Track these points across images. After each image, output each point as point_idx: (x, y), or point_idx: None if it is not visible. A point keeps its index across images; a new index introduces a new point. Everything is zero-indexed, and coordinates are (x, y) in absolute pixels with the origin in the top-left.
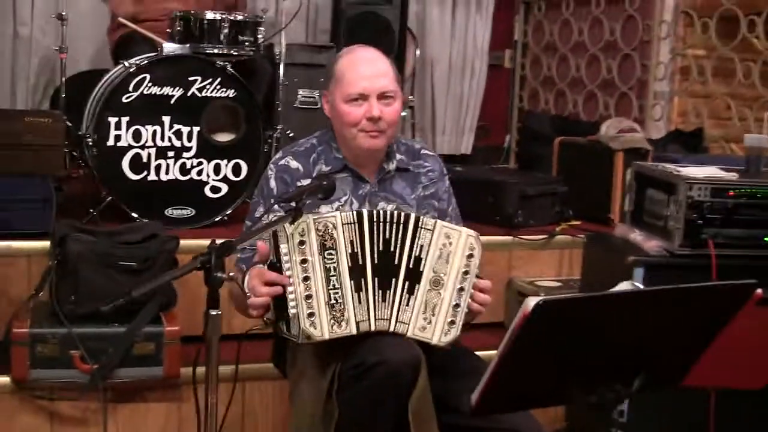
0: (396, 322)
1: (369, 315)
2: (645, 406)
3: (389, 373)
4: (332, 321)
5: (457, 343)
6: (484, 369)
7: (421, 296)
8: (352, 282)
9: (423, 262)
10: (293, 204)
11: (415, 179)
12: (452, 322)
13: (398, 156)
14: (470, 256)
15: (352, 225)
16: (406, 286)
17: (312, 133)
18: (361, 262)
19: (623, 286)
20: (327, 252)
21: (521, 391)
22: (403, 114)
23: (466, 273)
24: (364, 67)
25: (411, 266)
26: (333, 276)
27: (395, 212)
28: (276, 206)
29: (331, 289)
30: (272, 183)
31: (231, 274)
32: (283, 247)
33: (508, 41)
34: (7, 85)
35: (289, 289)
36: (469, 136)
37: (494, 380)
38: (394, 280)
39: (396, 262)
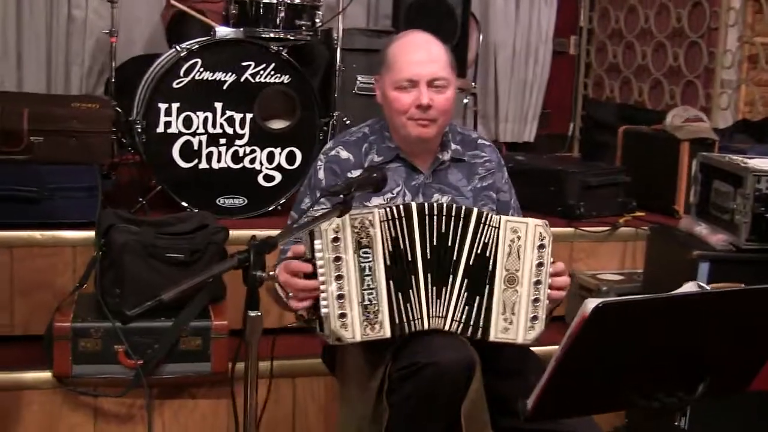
0: (452, 321)
1: (422, 313)
2: (706, 411)
3: (440, 375)
4: (365, 323)
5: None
6: (543, 369)
7: (497, 297)
8: (390, 282)
9: (491, 260)
10: (341, 197)
11: (471, 170)
12: (535, 318)
13: (453, 146)
14: (541, 246)
15: (395, 220)
16: (465, 285)
17: (367, 121)
18: (410, 258)
19: (688, 286)
20: (363, 250)
21: (579, 396)
22: (465, 101)
23: (540, 265)
24: (415, 52)
25: (474, 264)
26: (368, 276)
27: (452, 205)
28: (323, 199)
29: (365, 290)
30: (321, 174)
31: (272, 273)
32: (317, 244)
33: (573, 27)
34: (61, 69)
35: (322, 287)
36: (532, 124)
37: (551, 385)
38: (451, 277)
39: (455, 257)
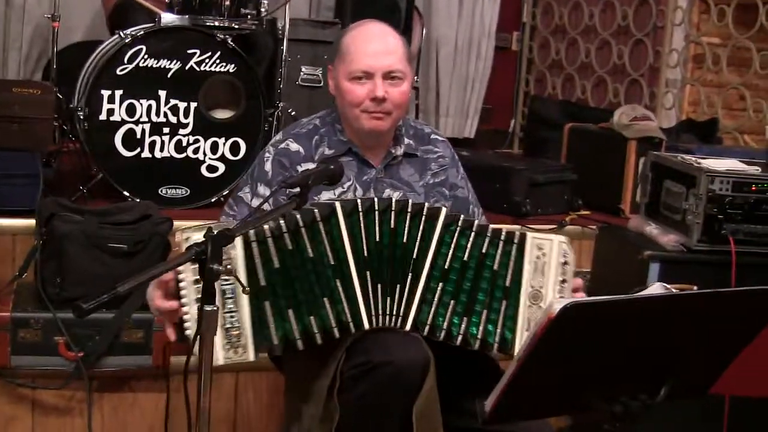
0: (463, 334)
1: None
2: (657, 409)
3: (395, 374)
4: (228, 346)
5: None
6: (498, 370)
7: (522, 313)
8: (262, 302)
9: (514, 276)
10: (297, 189)
11: (423, 165)
12: None
13: (406, 140)
14: (565, 263)
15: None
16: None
17: (314, 112)
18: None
19: (654, 288)
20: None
21: (540, 398)
22: None
23: (563, 282)
24: (371, 44)
25: (508, 284)
26: (229, 299)
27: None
28: (258, 190)
29: (226, 313)
30: (267, 166)
31: (229, 266)
32: (181, 267)
33: (515, 23)
34: None
35: (184, 308)
36: (473, 119)
37: (511, 387)
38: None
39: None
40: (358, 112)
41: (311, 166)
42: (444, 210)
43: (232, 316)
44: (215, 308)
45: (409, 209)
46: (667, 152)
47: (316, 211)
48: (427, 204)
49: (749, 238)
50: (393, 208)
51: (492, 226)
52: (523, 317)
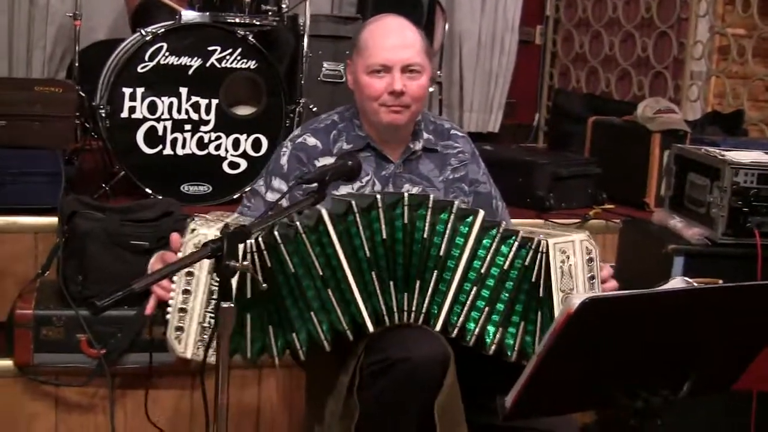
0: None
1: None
2: (682, 406)
3: (413, 370)
4: (199, 343)
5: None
6: (518, 367)
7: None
8: (245, 316)
9: (543, 285)
10: (315, 185)
11: (443, 161)
12: None
13: (425, 135)
14: (590, 260)
15: (269, 248)
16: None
17: (336, 108)
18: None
19: (676, 282)
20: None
21: (560, 394)
22: (431, 89)
23: (591, 278)
24: (389, 37)
25: (542, 294)
26: (215, 299)
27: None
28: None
29: (208, 311)
30: (283, 160)
31: (245, 263)
32: (180, 253)
33: (539, 17)
34: (23, 53)
35: (171, 294)
36: (497, 114)
37: (532, 382)
38: (425, 272)
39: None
40: (376, 106)
41: (329, 160)
42: (481, 212)
43: (212, 316)
44: (231, 305)
45: (430, 204)
46: (692, 145)
47: (297, 224)
48: (456, 202)
49: None
50: (405, 203)
51: (522, 234)
52: None
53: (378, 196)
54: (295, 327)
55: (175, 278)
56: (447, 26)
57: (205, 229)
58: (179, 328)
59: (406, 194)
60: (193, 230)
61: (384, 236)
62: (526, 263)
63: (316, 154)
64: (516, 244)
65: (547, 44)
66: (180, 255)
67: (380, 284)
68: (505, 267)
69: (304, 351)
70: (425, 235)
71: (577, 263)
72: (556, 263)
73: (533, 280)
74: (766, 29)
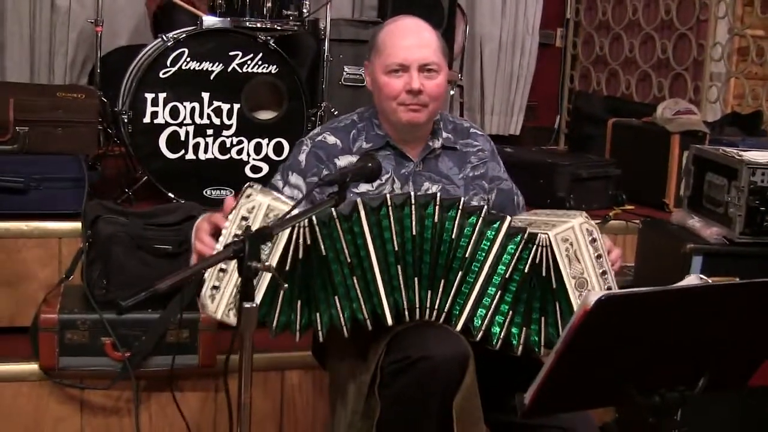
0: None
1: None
2: (700, 403)
3: (434, 369)
4: (231, 305)
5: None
6: (539, 364)
7: (576, 305)
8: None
9: (554, 277)
10: (336, 187)
11: (463, 158)
12: None
13: (444, 134)
14: (593, 240)
15: (319, 225)
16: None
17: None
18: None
19: (691, 279)
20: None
21: (578, 391)
22: (452, 92)
23: (599, 257)
24: (406, 37)
25: (555, 286)
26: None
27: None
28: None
29: None
30: (301, 156)
31: (267, 263)
32: (232, 214)
33: (559, 19)
34: (45, 59)
35: (213, 252)
36: (518, 117)
37: (550, 379)
38: (450, 271)
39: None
40: (395, 105)
41: (349, 158)
42: (508, 218)
43: None
44: (254, 305)
45: (460, 206)
46: (711, 145)
47: (333, 210)
48: (486, 207)
49: None
50: (437, 203)
51: (529, 230)
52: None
53: (412, 194)
54: (320, 308)
55: (220, 238)
56: (467, 29)
57: (261, 197)
58: (215, 287)
59: (438, 195)
60: (249, 195)
61: (414, 233)
62: (536, 261)
63: (336, 153)
64: (534, 247)
65: (567, 47)
66: (231, 216)
67: (405, 279)
68: (526, 270)
69: (323, 333)
70: (453, 236)
71: (581, 247)
72: (561, 253)
73: (543, 274)
74: None
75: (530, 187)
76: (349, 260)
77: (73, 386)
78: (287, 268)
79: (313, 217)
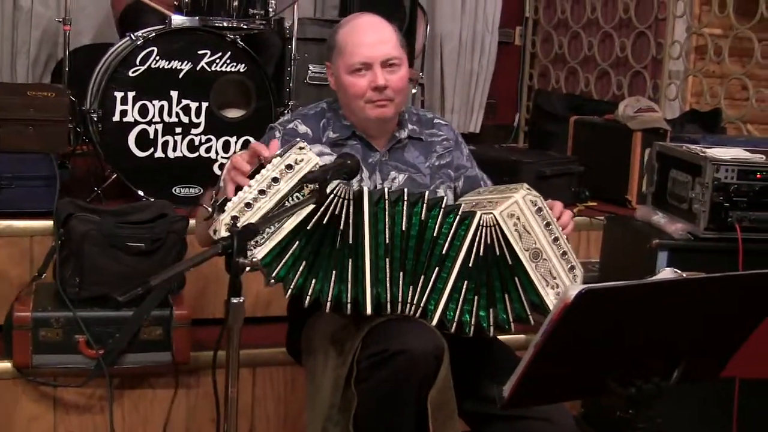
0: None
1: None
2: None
3: (412, 362)
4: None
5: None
6: (512, 356)
7: (535, 278)
8: (301, 240)
9: (508, 254)
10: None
11: (428, 148)
12: (572, 268)
13: (410, 126)
14: (539, 210)
15: (345, 201)
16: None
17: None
18: (350, 240)
19: (665, 273)
20: (299, 193)
21: (557, 383)
22: (414, 91)
23: (547, 225)
24: (365, 35)
25: (511, 262)
26: (282, 208)
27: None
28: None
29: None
30: (273, 143)
31: (254, 259)
32: (276, 159)
33: (518, 18)
34: (7, 58)
35: (246, 186)
36: (478, 114)
37: (529, 371)
38: (429, 268)
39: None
40: (362, 104)
41: (318, 147)
42: (479, 213)
43: (269, 227)
44: (242, 300)
45: (443, 206)
46: (673, 143)
47: (347, 188)
48: (462, 206)
49: (755, 225)
50: (425, 202)
51: (479, 213)
52: (538, 278)
53: (405, 191)
54: (317, 276)
55: (257, 176)
56: (428, 28)
57: (312, 154)
58: (235, 218)
59: (426, 194)
60: (302, 148)
61: (404, 228)
62: (488, 242)
63: (307, 141)
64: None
65: (526, 45)
66: (275, 161)
67: (391, 273)
68: (481, 253)
69: (309, 301)
70: (434, 234)
71: (528, 219)
72: (510, 229)
73: (498, 253)
74: (741, 29)
75: (495, 184)
76: (351, 241)
77: (46, 384)
78: (309, 227)
79: (349, 192)
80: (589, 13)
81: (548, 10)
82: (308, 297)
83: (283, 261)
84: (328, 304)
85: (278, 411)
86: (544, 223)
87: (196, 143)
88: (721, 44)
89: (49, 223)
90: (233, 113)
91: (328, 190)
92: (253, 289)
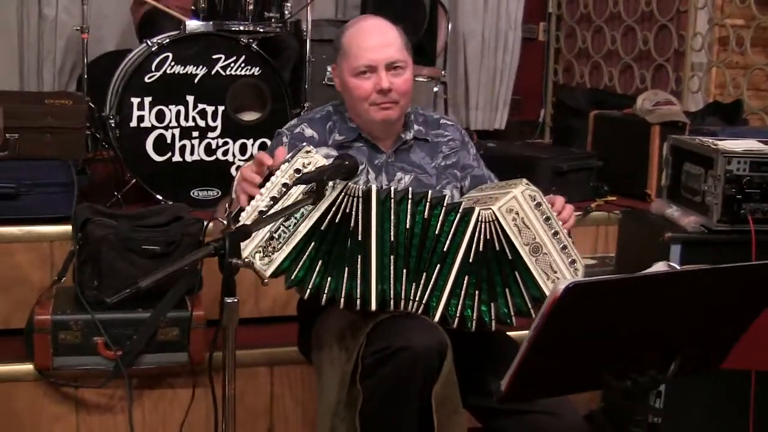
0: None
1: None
2: (682, 391)
3: (414, 358)
4: (261, 249)
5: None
6: (515, 348)
7: (535, 271)
8: (315, 242)
9: (508, 249)
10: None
11: (434, 149)
12: (573, 262)
13: (416, 127)
14: (538, 204)
15: (353, 198)
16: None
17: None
18: (359, 238)
19: (658, 266)
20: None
21: (551, 377)
22: (435, 89)
23: (547, 219)
24: (370, 38)
25: (511, 257)
26: (295, 216)
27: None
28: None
29: (283, 224)
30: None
31: (247, 260)
32: (285, 165)
33: (541, 14)
34: (33, 67)
35: (258, 194)
36: (503, 111)
37: (524, 366)
38: (431, 266)
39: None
40: (367, 106)
41: (325, 149)
42: (477, 210)
43: (284, 231)
44: (236, 300)
45: (445, 204)
46: (692, 135)
47: (356, 187)
48: (463, 203)
49: None
50: (428, 201)
51: (477, 209)
52: (538, 273)
53: (410, 190)
54: (332, 274)
55: (268, 184)
56: (450, 26)
57: (319, 156)
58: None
59: (429, 193)
60: (308, 151)
61: (408, 226)
62: (488, 237)
63: (313, 145)
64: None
65: (550, 41)
66: (283, 167)
67: (395, 270)
68: (481, 249)
69: (326, 299)
70: (437, 232)
71: (527, 214)
72: (509, 224)
73: (497, 248)
74: (764, 19)
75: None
76: (360, 238)
77: (67, 385)
78: (322, 227)
79: (359, 190)
80: (611, 7)
81: (571, 5)
82: (325, 295)
83: (301, 263)
84: (342, 300)
85: (297, 410)
86: (544, 217)
87: (213, 146)
88: (743, 35)
89: (68, 228)
90: (249, 116)
91: (339, 189)
92: (272, 291)
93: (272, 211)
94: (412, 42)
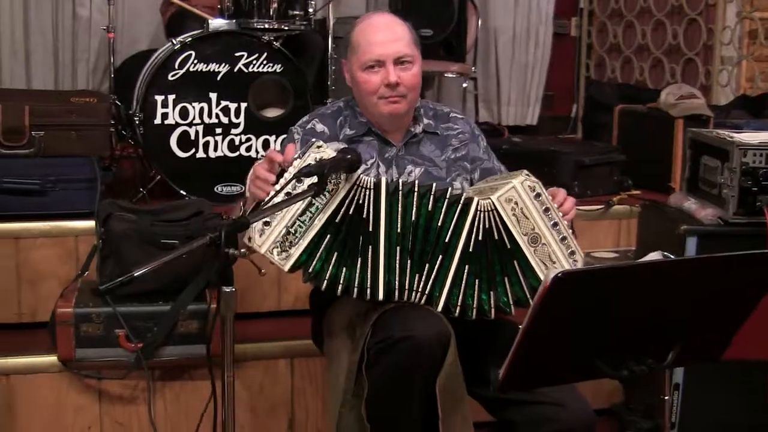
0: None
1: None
2: (702, 381)
3: (416, 348)
4: (278, 244)
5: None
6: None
7: (534, 261)
8: (330, 235)
9: (506, 238)
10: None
11: (444, 142)
12: (572, 253)
13: (426, 120)
14: (537, 195)
15: (365, 189)
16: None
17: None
18: (370, 228)
19: (652, 256)
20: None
21: (547, 366)
22: (465, 85)
23: (546, 210)
24: (378, 33)
25: (509, 246)
26: (310, 210)
27: (448, 189)
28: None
29: (300, 218)
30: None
31: (243, 250)
32: (297, 161)
33: (572, 9)
34: (68, 66)
35: (271, 192)
36: (534, 107)
37: (519, 355)
38: (433, 257)
39: (443, 239)
40: (375, 100)
41: (336, 144)
42: (476, 199)
43: (300, 226)
44: (233, 290)
45: (448, 196)
46: (716, 129)
47: (368, 179)
48: (465, 194)
49: None
50: (432, 193)
51: (476, 199)
52: (536, 262)
53: (416, 183)
54: (346, 264)
55: (281, 180)
56: (480, 22)
57: (330, 150)
58: (267, 223)
59: (434, 185)
60: (320, 146)
61: (414, 218)
62: (487, 226)
63: (324, 140)
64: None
65: (582, 36)
66: (296, 163)
67: (401, 260)
68: (480, 238)
69: (341, 289)
70: (439, 223)
71: (526, 204)
72: (508, 214)
73: (496, 237)
74: None
75: (536, 175)
76: (370, 229)
77: (90, 376)
78: (337, 219)
79: (370, 182)
80: (641, 2)
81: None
82: (340, 285)
83: (318, 255)
84: (355, 290)
85: (316, 400)
86: (543, 208)
87: (237, 143)
88: None
89: (92, 224)
90: (272, 113)
91: (352, 182)
92: (293, 286)
93: (271, 203)
94: (441, 39)
